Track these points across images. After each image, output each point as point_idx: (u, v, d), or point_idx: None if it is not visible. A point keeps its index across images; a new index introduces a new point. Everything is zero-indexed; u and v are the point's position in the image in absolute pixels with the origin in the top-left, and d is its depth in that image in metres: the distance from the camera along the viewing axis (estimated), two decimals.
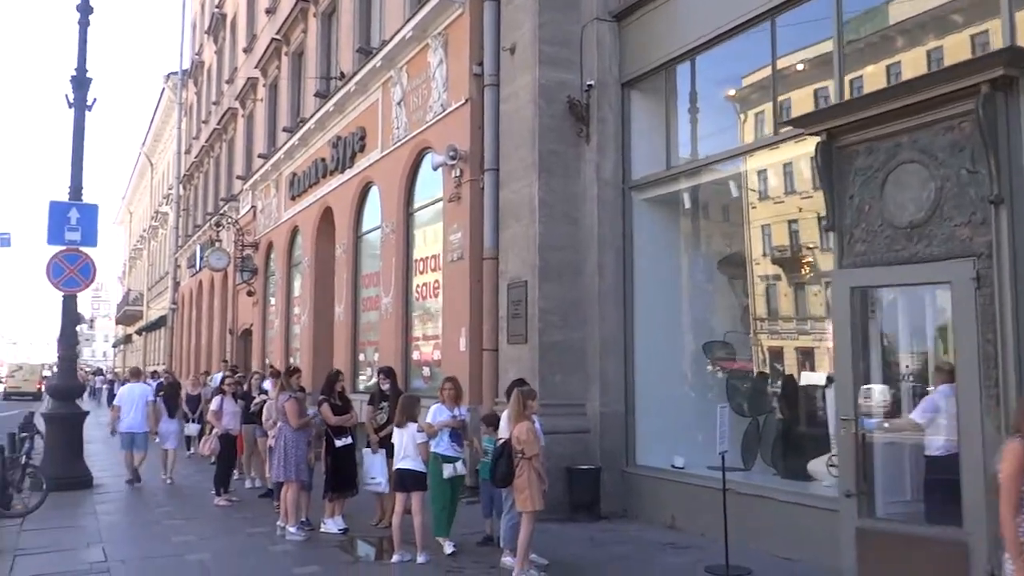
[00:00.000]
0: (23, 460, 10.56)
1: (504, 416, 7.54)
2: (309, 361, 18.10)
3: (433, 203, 13.06)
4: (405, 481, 7.66)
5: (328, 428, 9.08)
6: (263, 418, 10.35)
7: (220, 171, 29.89)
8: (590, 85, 10.21)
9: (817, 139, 7.05)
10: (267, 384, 13.03)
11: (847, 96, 7.52)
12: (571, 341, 10.17)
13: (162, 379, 19.20)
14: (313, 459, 9.03)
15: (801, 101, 8.62)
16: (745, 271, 10.57)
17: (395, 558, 7.60)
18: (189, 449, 16.48)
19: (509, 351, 10.58)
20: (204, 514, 10.25)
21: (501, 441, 7.09)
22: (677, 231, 10.65)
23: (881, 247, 6.62)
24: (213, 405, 11.05)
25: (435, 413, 8.51)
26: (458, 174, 11.76)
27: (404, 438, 7.68)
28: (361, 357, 15.90)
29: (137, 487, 12.35)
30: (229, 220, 24.16)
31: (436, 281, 12.90)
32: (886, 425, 7.09)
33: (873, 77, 7.76)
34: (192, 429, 15.70)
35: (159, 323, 41.96)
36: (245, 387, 12.72)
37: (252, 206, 24.15)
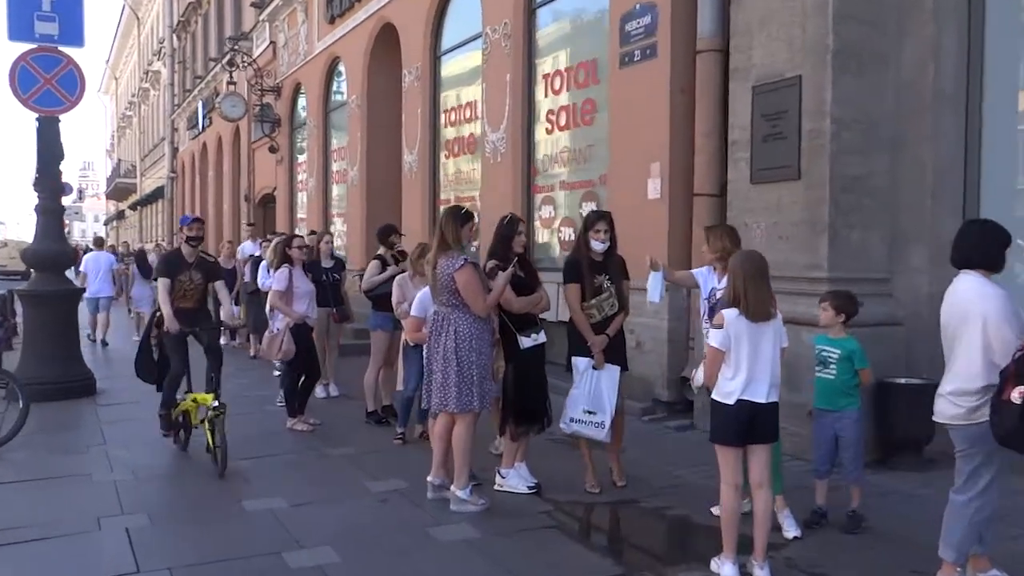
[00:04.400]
0: None
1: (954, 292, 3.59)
2: (361, 230, 14.16)
3: None
4: (760, 426, 3.85)
5: (503, 317, 5.18)
6: (393, 301, 6.47)
7: (224, 7, 25.02)
8: None
9: None
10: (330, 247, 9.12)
11: None
12: (875, 174, 6.20)
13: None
14: (499, 371, 5.12)
15: None
16: None
17: (725, 568, 3.84)
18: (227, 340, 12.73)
19: (754, 195, 6.61)
20: (279, 450, 6.45)
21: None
22: None
23: None
24: (277, 283, 6.99)
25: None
26: None
27: (766, 341, 3.84)
28: None
29: None
30: (244, 60, 19.60)
31: (588, 101, 8.77)
32: None
33: None
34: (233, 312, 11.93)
35: (156, 195, 37.65)
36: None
37: (271, 42, 19.62)
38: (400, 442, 6.48)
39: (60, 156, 8.74)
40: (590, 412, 5.11)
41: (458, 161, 11.57)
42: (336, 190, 16.37)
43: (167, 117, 34.04)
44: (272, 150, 19.26)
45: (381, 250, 7.45)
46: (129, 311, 15.53)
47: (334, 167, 16.44)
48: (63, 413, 7.72)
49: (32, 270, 9.38)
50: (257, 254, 12.07)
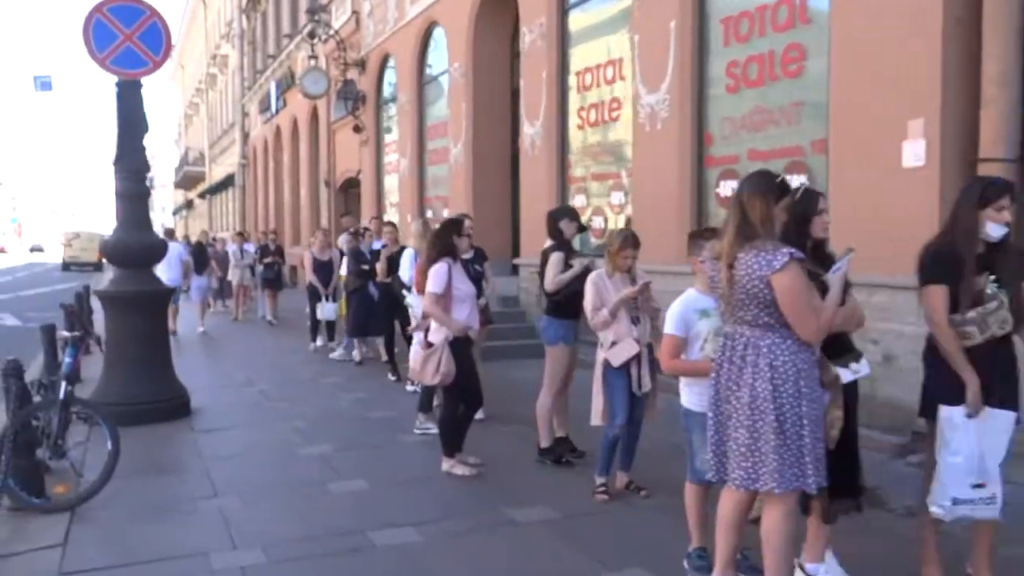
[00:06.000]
0: (63, 390, 5.18)
1: None
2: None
3: None
4: None
5: None
6: (587, 306, 4.69)
7: None
8: None
9: None
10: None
11: None
12: None
13: (266, 243, 15.73)
14: (833, 424, 3.37)
15: None
16: None
17: None
18: (315, 340, 11.28)
19: None
20: (448, 511, 4.79)
21: None
22: None
23: None
24: (434, 283, 5.29)
25: None
26: None
27: None
28: (578, 201, 10.19)
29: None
30: (325, 30, 18.09)
31: (793, 46, 6.94)
32: None
33: None
34: (328, 311, 10.50)
35: (226, 183, 36.66)
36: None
37: (353, 12, 18.08)
38: (605, 497, 4.81)
39: (144, 128, 7.26)
40: (978, 485, 3.36)
41: (597, 131, 9.82)
42: (432, 171, 14.77)
43: (237, 102, 32.97)
44: (357, 130, 17.78)
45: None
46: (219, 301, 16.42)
47: (430, 146, 14.85)
48: (156, 445, 6.25)
49: (108, 263, 7.96)
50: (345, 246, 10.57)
